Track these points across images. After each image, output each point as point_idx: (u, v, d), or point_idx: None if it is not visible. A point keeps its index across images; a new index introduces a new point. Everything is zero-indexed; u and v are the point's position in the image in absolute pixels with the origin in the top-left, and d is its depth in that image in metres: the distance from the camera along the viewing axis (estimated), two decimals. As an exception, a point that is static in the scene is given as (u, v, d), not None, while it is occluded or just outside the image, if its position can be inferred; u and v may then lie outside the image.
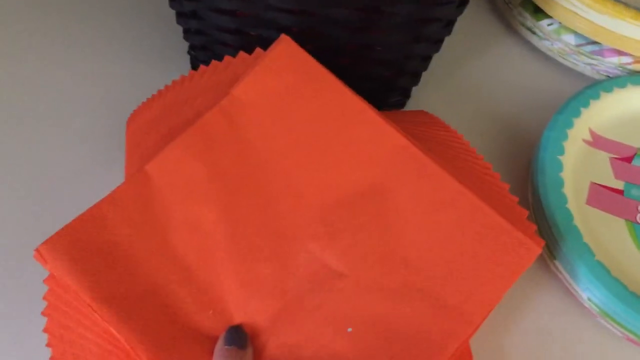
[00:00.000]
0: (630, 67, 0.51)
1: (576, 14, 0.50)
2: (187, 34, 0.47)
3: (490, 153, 0.49)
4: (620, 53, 0.50)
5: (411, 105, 0.51)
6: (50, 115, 0.49)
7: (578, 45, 0.52)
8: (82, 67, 0.52)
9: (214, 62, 0.40)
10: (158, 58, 0.53)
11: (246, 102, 0.37)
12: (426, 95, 0.52)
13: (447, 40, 0.45)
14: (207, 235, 0.35)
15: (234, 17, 0.42)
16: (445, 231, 0.35)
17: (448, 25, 0.43)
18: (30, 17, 0.55)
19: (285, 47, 0.37)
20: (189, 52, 0.49)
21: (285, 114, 0.37)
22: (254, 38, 0.43)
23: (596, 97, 0.47)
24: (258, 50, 0.39)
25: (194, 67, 0.50)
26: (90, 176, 0.45)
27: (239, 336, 0.33)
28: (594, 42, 0.51)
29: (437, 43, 0.44)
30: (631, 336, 0.38)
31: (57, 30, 0.54)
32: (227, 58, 0.40)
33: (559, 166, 0.42)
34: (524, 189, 0.46)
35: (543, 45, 0.54)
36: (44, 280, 0.33)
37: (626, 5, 0.48)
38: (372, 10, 0.39)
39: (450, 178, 0.35)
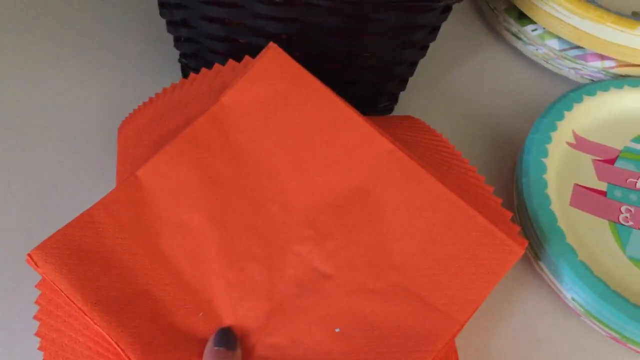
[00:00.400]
0: (613, 71, 0.52)
1: (560, 19, 0.51)
2: (178, 42, 0.47)
3: (475, 156, 0.49)
4: (603, 57, 0.51)
5: (398, 110, 0.52)
6: (41, 122, 0.49)
7: (562, 50, 0.53)
8: (74, 75, 0.52)
9: (203, 69, 0.41)
10: (149, 66, 0.53)
11: (235, 109, 0.38)
12: (413, 101, 0.53)
13: (434, 46, 0.46)
14: (197, 240, 0.36)
15: (223, 25, 0.42)
16: (430, 233, 0.36)
17: (433, 32, 0.44)
18: (21, 24, 0.56)
19: (273, 55, 0.38)
20: (179, 60, 0.50)
21: (273, 120, 0.38)
22: (243, 45, 0.44)
23: (579, 100, 0.47)
24: (247, 58, 0.40)
25: (185, 74, 0.51)
26: (82, 182, 0.46)
27: (228, 337, 0.34)
28: (578, 47, 0.52)
29: (423, 49, 0.45)
30: (614, 335, 0.39)
31: (48, 37, 0.55)
32: (216, 66, 0.40)
33: (543, 168, 0.43)
34: (509, 191, 0.47)
35: (528, 50, 0.55)
36: (35, 285, 0.34)
37: (608, 10, 0.49)
38: (359, 18, 0.40)
39: (436, 181, 0.36)
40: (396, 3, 0.39)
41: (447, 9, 0.41)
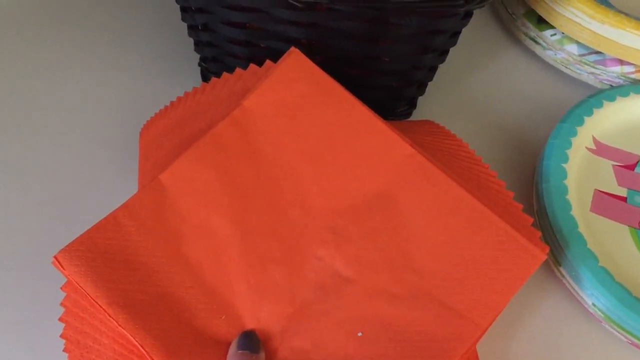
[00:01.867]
0: (632, 76, 0.51)
1: (579, 24, 0.50)
2: (198, 46, 0.48)
3: (495, 161, 0.49)
4: (622, 62, 0.51)
5: (417, 114, 0.52)
6: (64, 125, 0.50)
7: (581, 55, 0.53)
8: (95, 78, 0.53)
9: (225, 74, 0.41)
10: (169, 70, 0.54)
11: (257, 113, 0.38)
12: (432, 105, 0.53)
13: (453, 51, 0.46)
14: (219, 243, 0.36)
15: (244, 30, 0.43)
16: (451, 238, 0.36)
17: (453, 37, 0.44)
18: (44, 27, 0.56)
19: (294, 59, 0.38)
20: (199, 64, 0.50)
21: (295, 124, 0.38)
22: (263, 50, 0.44)
23: (599, 105, 0.47)
24: (268, 62, 0.40)
25: (205, 78, 0.51)
26: (105, 184, 0.46)
27: (251, 341, 0.34)
28: (597, 52, 0.52)
29: (443, 54, 0.45)
30: (635, 341, 0.39)
31: (71, 41, 0.56)
32: (237, 70, 0.41)
33: (563, 174, 0.43)
34: (529, 197, 0.47)
35: (547, 55, 0.55)
36: (61, 287, 0.34)
37: (627, 15, 0.49)
38: (380, 23, 0.40)
39: (457, 186, 0.36)
40: (418, 8, 0.39)
41: (468, 14, 0.41)
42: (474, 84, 0.55)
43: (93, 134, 0.49)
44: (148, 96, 0.52)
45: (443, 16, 0.40)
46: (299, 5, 0.38)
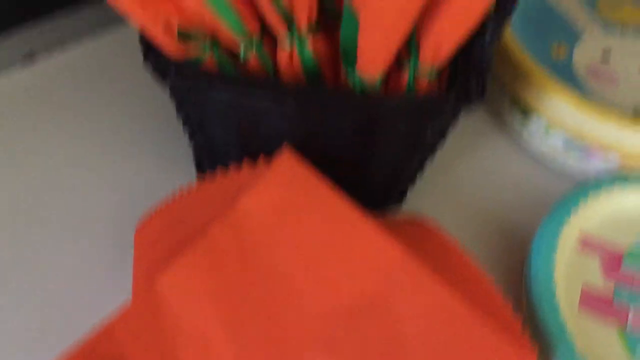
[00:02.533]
0: (617, 168, 0.53)
1: (564, 116, 0.52)
2: (192, 139, 0.49)
3: (483, 253, 0.50)
4: (607, 154, 0.53)
5: (408, 202, 0.53)
6: (57, 219, 0.50)
7: (566, 146, 0.54)
8: (90, 169, 0.53)
9: (219, 172, 0.42)
10: (164, 157, 0.55)
11: (250, 215, 0.39)
12: (419, 196, 0.54)
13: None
14: (215, 353, 0.36)
15: (238, 133, 0.44)
16: (441, 346, 0.36)
17: (442, 134, 0.45)
18: (38, 118, 0.57)
19: (287, 159, 0.39)
20: (194, 153, 0.51)
21: (287, 227, 0.39)
22: (257, 145, 0.45)
23: (585, 198, 0.48)
24: (262, 160, 0.41)
25: (199, 166, 0.52)
26: (98, 282, 0.46)
27: None
28: (582, 144, 0.53)
29: (434, 148, 0.46)
30: None
31: (63, 130, 0.56)
32: (231, 169, 0.42)
33: (551, 270, 0.43)
34: (519, 286, 0.47)
35: (532, 145, 0.56)
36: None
37: (610, 108, 0.51)
38: (371, 128, 0.41)
39: (445, 292, 0.37)
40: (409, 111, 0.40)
41: (456, 113, 0.43)
42: (462, 174, 0.56)
43: (87, 227, 0.49)
44: (143, 187, 0.52)
45: (433, 118, 0.41)
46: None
